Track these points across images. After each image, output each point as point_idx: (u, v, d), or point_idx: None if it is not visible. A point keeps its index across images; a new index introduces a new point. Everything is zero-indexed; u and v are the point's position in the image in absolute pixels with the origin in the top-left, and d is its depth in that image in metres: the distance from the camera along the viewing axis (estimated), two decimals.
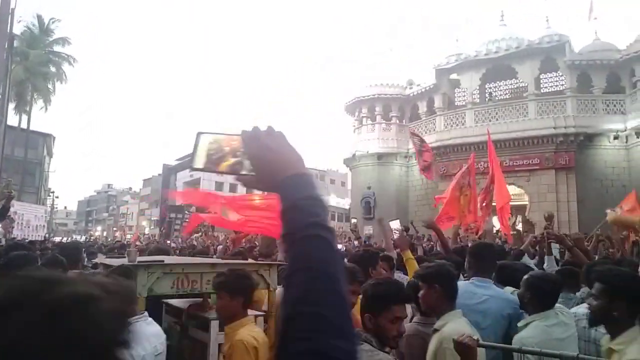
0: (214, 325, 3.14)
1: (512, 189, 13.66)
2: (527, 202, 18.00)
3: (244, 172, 0.85)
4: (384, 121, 23.33)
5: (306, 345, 0.61)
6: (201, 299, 3.56)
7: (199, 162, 0.85)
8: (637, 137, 17.45)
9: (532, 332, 2.43)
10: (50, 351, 0.45)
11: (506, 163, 15.69)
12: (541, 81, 20.79)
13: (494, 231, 14.15)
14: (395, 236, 4.02)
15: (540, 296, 2.49)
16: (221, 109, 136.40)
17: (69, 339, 0.46)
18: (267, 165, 0.81)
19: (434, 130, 21.41)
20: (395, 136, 22.97)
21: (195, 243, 10.19)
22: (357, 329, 2.02)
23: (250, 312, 3.13)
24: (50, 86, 31.01)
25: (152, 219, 48.92)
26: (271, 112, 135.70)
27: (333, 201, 33.83)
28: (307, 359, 0.61)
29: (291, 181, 0.78)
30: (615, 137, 17.87)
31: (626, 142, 17.85)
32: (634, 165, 17.58)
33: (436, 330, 2.29)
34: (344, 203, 32.18)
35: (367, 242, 11.88)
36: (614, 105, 18.46)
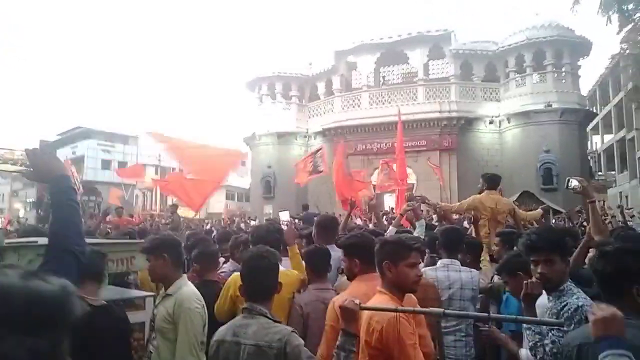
0: (149, 302, 3.06)
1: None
2: (414, 182, 19.34)
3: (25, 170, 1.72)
4: (284, 100, 23.30)
5: (63, 244, 1.53)
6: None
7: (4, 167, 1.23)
8: (508, 122, 19.58)
9: None
10: None
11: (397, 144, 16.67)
12: (429, 67, 22.22)
13: (389, 208, 15.05)
14: (284, 228, 4.02)
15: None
16: (104, 85, 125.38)
17: None
18: (43, 167, 1.67)
19: (332, 111, 21.93)
20: (296, 115, 23.10)
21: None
22: (250, 304, 2.04)
23: (139, 293, 3.05)
24: None
25: (28, 200, 43.91)
26: (164, 87, 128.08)
27: (234, 181, 33.19)
28: (64, 254, 1.51)
29: (58, 177, 1.65)
30: (491, 122, 19.88)
31: (499, 126, 19.93)
32: (505, 148, 19.75)
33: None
34: (244, 183, 31.76)
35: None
36: (490, 93, 20.45)
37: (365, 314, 1.99)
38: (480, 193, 5.56)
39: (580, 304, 2.12)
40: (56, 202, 1.62)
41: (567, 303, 2.15)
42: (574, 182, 3.46)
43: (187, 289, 2.56)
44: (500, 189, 5.79)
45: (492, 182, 5.58)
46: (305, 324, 2.67)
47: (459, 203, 5.97)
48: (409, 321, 1.99)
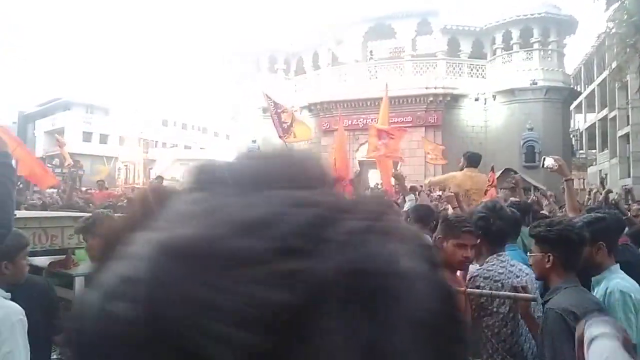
0: (79, 281, 2.98)
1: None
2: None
3: None
4: (270, 73, 22.94)
5: None
6: (64, 256, 3.33)
7: None
8: (494, 100, 19.64)
9: None
10: None
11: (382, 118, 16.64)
12: (417, 43, 22.02)
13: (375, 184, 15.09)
14: None
15: None
16: (85, 55, 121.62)
17: None
18: None
19: (319, 85, 21.70)
20: (281, 89, 22.78)
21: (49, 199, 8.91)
22: None
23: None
24: None
25: None
26: (147, 59, 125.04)
27: (218, 155, 32.93)
28: None
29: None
30: (476, 99, 19.90)
31: (485, 103, 19.98)
32: (489, 125, 19.86)
33: None
34: (229, 157, 31.49)
35: None
36: (477, 70, 20.41)
37: None
38: (461, 170, 5.59)
39: (476, 273, 2.54)
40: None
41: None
42: (549, 161, 3.53)
43: None
44: (493, 167, 5.86)
45: (471, 160, 5.58)
46: None
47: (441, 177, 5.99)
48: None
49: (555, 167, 3.45)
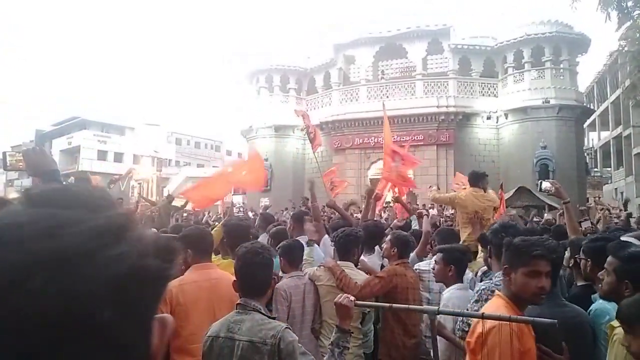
0: None
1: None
2: (411, 175, 19.33)
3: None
4: (282, 93, 23.22)
5: None
6: None
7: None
8: (506, 118, 19.59)
9: None
10: None
11: (394, 139, 16.67)
12: (428, 62, 22.16)
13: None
14: (235, 211, 4.23)
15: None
16: (102, 75, 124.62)
17: None
18: (37, 164, 2.15)
19: (330, 104, 21.88)
20: (293, 108, 22.98)
21: None
22: (244, 300, 2.04)
23: None
24: None
25: (23, 190, 43.72)
26: (162, 78, 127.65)
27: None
28: None
29: (46, 172, 2.14)
30: (488, 118, 19.86)
31: (497, 122, 19.94)
32: (502, 143, 19.78)
33: None
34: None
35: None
36: (488, 88, 20.43)
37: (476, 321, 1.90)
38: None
39: (483, 286, 2.49)
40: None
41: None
42: (545, 184, 3.59)
43: None
44: (502, 185, 5.78)
45: (472, 179, 5.29)
46: (289, 305, 3.00)
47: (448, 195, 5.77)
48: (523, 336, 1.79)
49: (553, 190, 3.49)
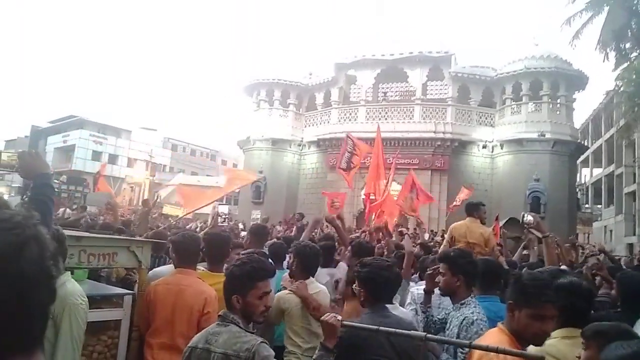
0: None
1: (393, 186, 14.61)
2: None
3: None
4: (282, 107, 23.33)
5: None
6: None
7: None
8: (501, 148, 19.76)
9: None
10: None
11: (389, 161, 16.77)
12: (428, 87, 22.41)
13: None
14: (220, 222, 4.28)
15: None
16: (102, 76, 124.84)
17: None
18: (31, 167, 2.26)
19: (328, 122, 22.00)
20: (292, 123, 23.11)
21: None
22: (225, 312, 2.06)
23: (119, 290, 3.14)
24: None
25: (13, 185, 43.28)
26: (162, 83, 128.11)
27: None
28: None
29: (39, 175, 2.22)
30: (484, 147, 20.05)
31: (492, 151, 20.11)
32: (496, 173, 19.92)
33: None
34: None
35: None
36: (486, 118, 20.65)
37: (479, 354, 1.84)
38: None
39: (474, 318, 2.42)
40: (32, 195, 2.18)
41: (465, 316, 2.47)
42: (528, 217, 3.67)
43: (71, 285, 2.40)
44: (497, 216, 5.81)
45: (468, 209, 5.30)
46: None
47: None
48: None
49: (534, 224, 3.57)
